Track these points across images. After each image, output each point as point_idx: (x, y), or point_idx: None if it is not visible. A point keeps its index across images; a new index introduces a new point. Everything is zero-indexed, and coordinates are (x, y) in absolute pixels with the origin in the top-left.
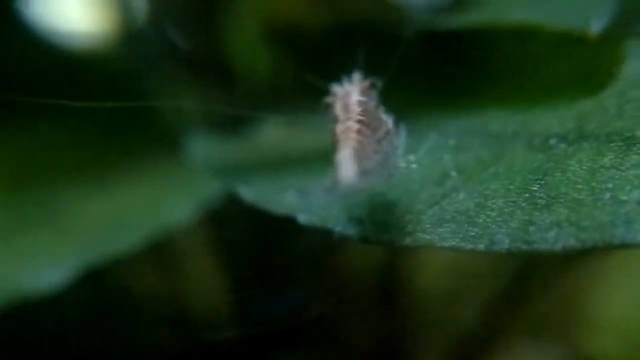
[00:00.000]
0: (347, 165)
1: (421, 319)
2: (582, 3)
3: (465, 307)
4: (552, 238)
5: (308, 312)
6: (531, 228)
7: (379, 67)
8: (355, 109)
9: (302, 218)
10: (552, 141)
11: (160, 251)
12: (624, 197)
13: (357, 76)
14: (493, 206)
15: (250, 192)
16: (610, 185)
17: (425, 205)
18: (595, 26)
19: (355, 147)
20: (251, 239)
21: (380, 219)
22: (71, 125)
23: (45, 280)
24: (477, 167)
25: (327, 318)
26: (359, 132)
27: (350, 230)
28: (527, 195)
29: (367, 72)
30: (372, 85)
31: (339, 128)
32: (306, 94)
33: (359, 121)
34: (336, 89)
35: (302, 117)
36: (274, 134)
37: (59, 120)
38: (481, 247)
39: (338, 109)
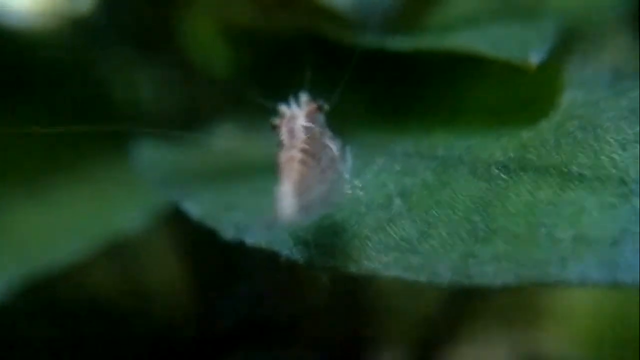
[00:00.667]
0: (286, 201)
1: (384, 312)
2: (522, 32)
3: (428, 299)
4: (491, 273)
5: (270, 310)
6: (471, 261)
7: (327, 82)
8: (301, 135)
9: (249, 240)
10: (495, 170)
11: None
12: (559, 235)
13: (304, 98)
14: (436, 235)
15: (197, 209)
16: (546, 221)
17: (371, 229)
18: (535, 56)
19: (296, 180)
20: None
21: (327, 243)
22: (10, 124)
23: None
24: (423, 192)
25: (289, 315)
26: (302, 162)
27: (297, 255)
28: (468, 225)
29: (316, 88)
30: (319, 108)
31: (283, 157)
32: (262, 98)
33: (303, 150)
34: (283, 109)
35: (258, 123)
36: (226, 141)
37: None
38: (423, 278)
39: (283, 134)
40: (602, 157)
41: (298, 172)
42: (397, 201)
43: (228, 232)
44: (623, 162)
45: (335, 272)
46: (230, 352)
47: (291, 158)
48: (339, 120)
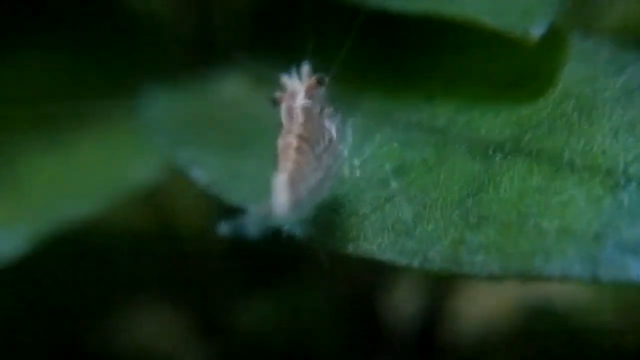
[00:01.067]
0: (281, 194)
1: None
2: (525, 3)
3: None
4: (479, 262)
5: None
6: (461, 248)
7: (332, 42)
8: (299, 117)
9: (254, 209)
10: (490, 150)
11: None
12: (546, 226)
13: (305, 68)
14: (430, 218)
15: (204, 174)
16: (535, 210)
17: (369, 207)
18: (537, 29)
19: (292, 170)
20: None
21: (326, 219)
22: (27, 71)
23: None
24: (421, 169)
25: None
26: (298, 150)
27: (297, 230)
28: (461, 210)
29: (320, 48)
30: (319, 81)
31: (280, 143)
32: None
33: (300, 137)
34: (284, 80)
35: (267, 71)
36: (235, 91)
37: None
38: (416, 263)
39: (282, 113)
40: (594, 145)
41: (294, 162)
42: (395, 180)
43: (234, 201)
44: (613, 152)
45: (333, 250)
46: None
47: (288, 145)
48: (342, 84)
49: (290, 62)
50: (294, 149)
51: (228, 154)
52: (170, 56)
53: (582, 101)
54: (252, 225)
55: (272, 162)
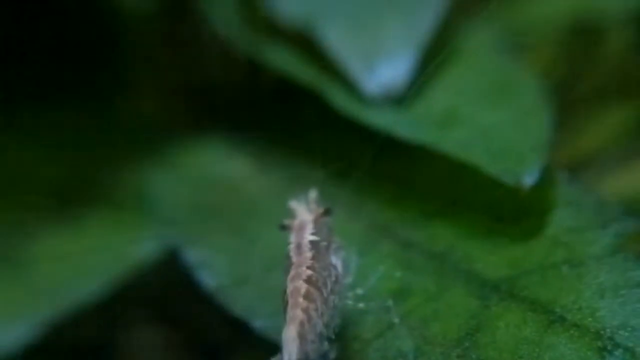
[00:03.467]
0: (291, 350)
1: None
2: (519, 140)
3: None
4: None
5: None
6: None
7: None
8: (307, 254)
9: (258, 324)
10: (487, 289)
11: None
12: None
13: (313, 197)
14: (431, 354)
15: (211, 279)
16: None
17: (371, 333)
18: (528, 178)
19: (301, 321)
20: None
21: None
22: (41, 141)
23: (6, 338)
24: (421, 297)
25: None
26: (307, 296)
27: None
28: (459, 350)
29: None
30: (326, 212)
31: (290, 286)
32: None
33: (308, 280)
34: (294, 207)
35: (275, 143)
36: (238, 172)
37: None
38: None
39: (292, 248)
40: (583, 302)
41: (303, 311)
42: (396, 321)
43: (238, 312)
44: (600, 312)
45: None
46: None
47: (297, 290)
48: (345, 190)
49: (290, 147)
50: (303, 296)
51: (234, 255)
52: (170, 133)
53: (571, 253)
54: None
55: (282, 306)
